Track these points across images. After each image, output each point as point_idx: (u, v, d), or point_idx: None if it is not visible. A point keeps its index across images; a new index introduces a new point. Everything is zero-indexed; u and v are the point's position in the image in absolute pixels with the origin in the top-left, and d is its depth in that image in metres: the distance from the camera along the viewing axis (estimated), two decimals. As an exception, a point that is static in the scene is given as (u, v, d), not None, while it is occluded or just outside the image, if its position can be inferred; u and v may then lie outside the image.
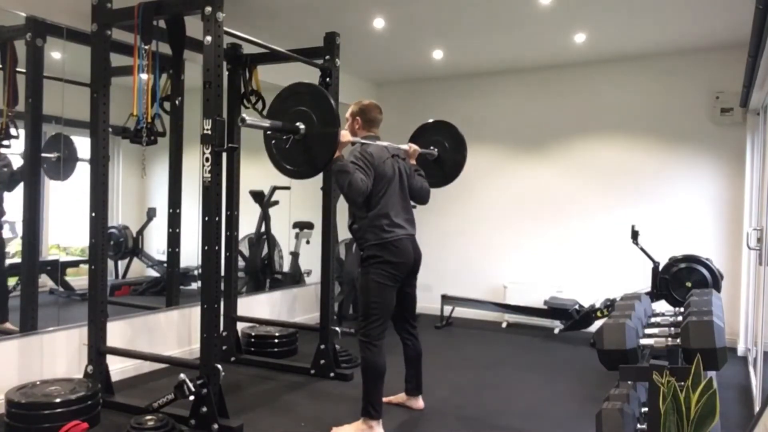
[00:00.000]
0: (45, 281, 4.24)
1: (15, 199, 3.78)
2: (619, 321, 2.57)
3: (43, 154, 3.88)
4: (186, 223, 4.55)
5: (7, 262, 3.93)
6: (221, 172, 3.26)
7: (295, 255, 6.10)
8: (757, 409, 3.11)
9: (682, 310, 3.07)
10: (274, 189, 5.77)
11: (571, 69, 6.00)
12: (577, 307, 5.54)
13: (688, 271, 4.64)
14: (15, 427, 3.00)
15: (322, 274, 4.39)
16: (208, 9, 3.11)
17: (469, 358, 4.93)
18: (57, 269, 4.47)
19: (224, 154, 3.23)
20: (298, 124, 2.99)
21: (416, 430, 3.40)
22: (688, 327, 2.42)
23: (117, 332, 3.97)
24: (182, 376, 3.13)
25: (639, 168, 5.72)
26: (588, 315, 5.43)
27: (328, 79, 4.24)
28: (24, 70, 3.69)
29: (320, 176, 3.93)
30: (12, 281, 3.93)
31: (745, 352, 4.95)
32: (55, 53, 3.90)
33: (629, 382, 2.58)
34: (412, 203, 3.51)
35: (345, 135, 3.08)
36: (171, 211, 4.56)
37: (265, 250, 5.82)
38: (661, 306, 4.55)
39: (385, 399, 3.38)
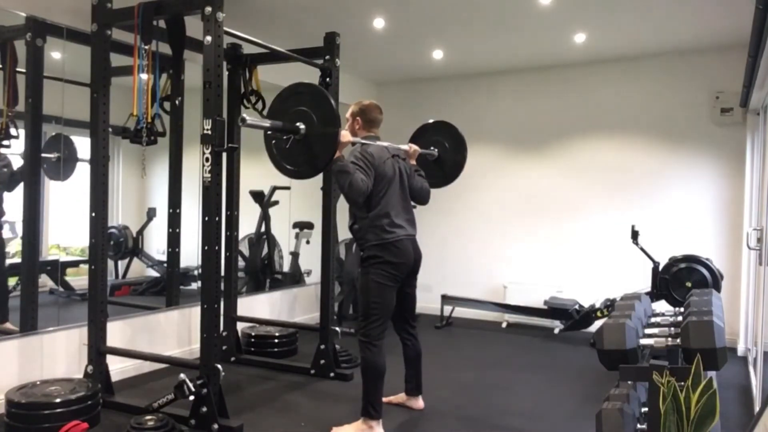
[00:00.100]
0: (45, 281, 4.24)
1: (15, 199, 3.78)
2: (619, 321, 2.57)
3: (43, 154, 3.88)
4: (186, 223, 4.55)
5: (7, 262, 3.94)
6: (221, 172, 3.26)
7: (295, 255, 6.10)
8: (757, 409, 3.11)
9: (682, 310, 3.07)
10: (274, 189, 5.77)
11: (571, 69, 6.00)
12: (577, 307, 5.54)
13: (688, 271, 4.64)
14: (15, 427, 3.00)
15: (322, 274, 4.39)
16: (208, 9, 3.11)
17: (469, 358, 4.93)
18: (57, 269, 4.47)
19: (224, 154, 3.23)
20: (298, 124, 3.00)
21: (416, 430, 3.40)
22: (688, 327, 2.42)
23: (117, 332, 3.97)
24: (182, 376, 3.13)
25: (639, 168, 5.72)
26: (588, 315, 5.43)
27: (328, 79, 4.24)
28: (24, 70, 3.69)
29: (320, 176, 3.93)
30: (12, 281, 3.93)
31: (745, 352, 4.95)
32: (55, 53, 3.90)
33: (629, 382, 2.58)
34: (413, 203, 3.51)
35: (345, 135, 3.08)
36: (171, 211, 4.56)
37: (265, 250, 5.82)
38: (661, 306, 4.55)
39: (385, 399, 3.38)
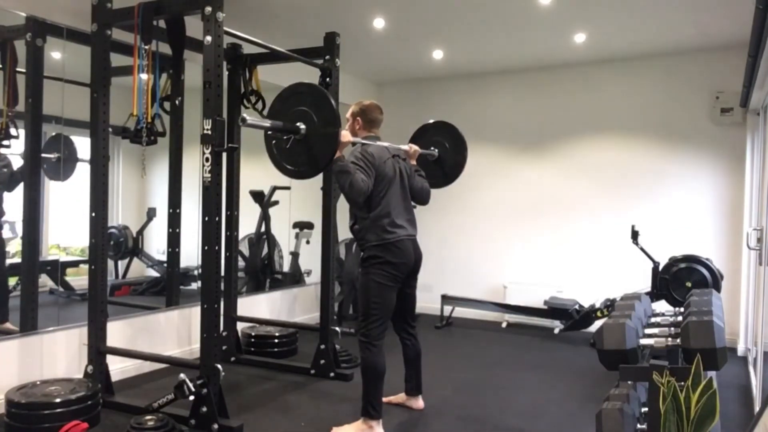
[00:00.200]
0: (45, 281, 4.24)
1: (15, 199, 3.78)
2: (619, 321, 2.57)
3: (43, 154, 3.87)
4: (186, 223, 4.55)
5: (7, 262, 3.93)
6: (221, 172, 3.26)
7: (295, 255, 6.10)
8: (757, 409, 3.11)
9: (682, 310, 3.07)
10: (274, 189, 5.77)
11: (571, 69, 6.00)
12: (577, 307, 5.54)
13: (688, 271, 4.64)
14: (15, 427, 3.00)
15: (322, 274, 4.39)
16: (208, 9, 3.11)
17: (469, 358, 4.93)
18: (57, 269, 4.47)
19: (224, 154, 3.23)
20: (298, 124, 3.00)
21: (416, 430, 3.40)
22: (688, 327, 2.42)
23: (117, 332, 3.97)
24: (182, 376, 3.13)
25: (639, 168, 5.72)
26: (588, 315, 5.43)
27: (328, 79, 4.24)
28: (24, 70, 3.69)
29: (320, 176, 3.93)
30: (12, 281, 3.93)
31: (745, 352, 4.95)
32: (55, 53, 3.90)
33: (629, 382, 2.58)
34: (413, 203, 3.51)
35: (345, 135, 3.08)
36: (171, 211, 4.56)
37: (265, 250, 5.82)
38: (661, 306, 4.55)
39: (384, 399, 3.38)
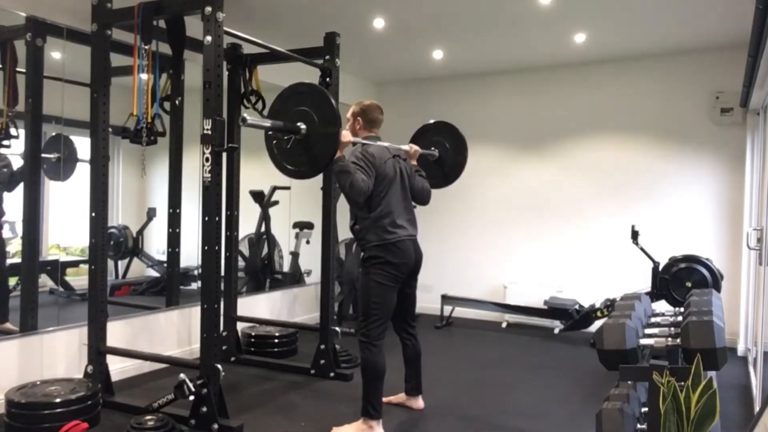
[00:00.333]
0: (45, 281, 4.24)
1: (15, 199, 3.78)
2: (619, 321, 2.57)
3: (43, 155, 3.87)
4: (186, 223, 4.55)
5: (8, 262, 3.93)
6: (221, 172, 3.26)
7: (295, 255, 6.10)
8: (757, 409, 3.11)
9: (682, 310, 3.07)
10: (274, 189, 5.77)
11: (571, 69, 6.00)
12: (577, 307, 5.54)
13: (688, 271, 4.64)
14: (15, 427, 3.00)
15: (322, 274, 4.39)
16: (208, 9, 3.11)
17: (469, 358, 4.93)
18: (57, 269, 4.47)
19: (224, 154, 3.23)
20: (299, 124, 3.00)
21: (416, 430, 3.40)
22: (688, 327, 2.42)
23: (117, 332, 3.97)
24: (182, 376, 3.13)
25: (639, 168, 5.72)
26: (588, 315, 5.43)
27: (328, 79, 4.24)
28: (24, 70, 3.69)
29: (320, 176, 3.93)
30: (12, 281, 3.93)
31: (745, 352, 4.95)
32: (55, 53, 3.90)
33: (629, 382, 2.58)
34: (413, 204, 3.51)
35: (346, 135, 3.08)
36: (171, 211, 4.56)
37: (265, 250, 5.82)
38: (661, 306, 4.55)
39: (384, 399, 3.38)
